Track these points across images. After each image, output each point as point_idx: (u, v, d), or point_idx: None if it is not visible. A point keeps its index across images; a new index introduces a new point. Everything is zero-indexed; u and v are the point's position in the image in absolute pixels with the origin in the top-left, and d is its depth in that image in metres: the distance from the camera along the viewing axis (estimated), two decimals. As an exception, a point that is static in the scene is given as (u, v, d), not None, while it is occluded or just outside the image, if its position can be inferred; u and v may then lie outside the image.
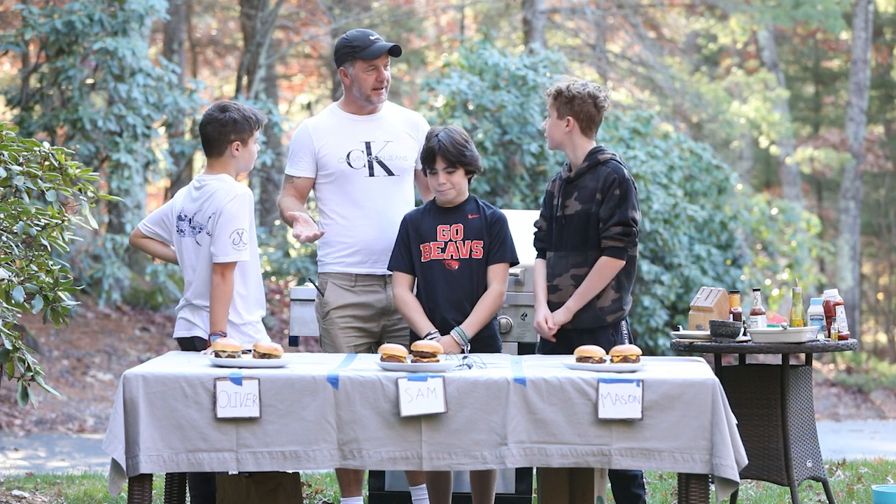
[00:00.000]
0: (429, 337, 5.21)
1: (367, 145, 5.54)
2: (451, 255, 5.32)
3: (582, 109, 5.28)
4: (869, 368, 19.62)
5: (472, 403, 4.50)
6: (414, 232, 5.38)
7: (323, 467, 4.56)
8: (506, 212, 5.94)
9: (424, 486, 5.48)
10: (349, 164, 5.52)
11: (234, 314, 5.25)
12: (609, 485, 5.64)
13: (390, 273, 5.49)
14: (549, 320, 5.29)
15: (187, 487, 5.31)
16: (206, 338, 5.21)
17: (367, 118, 5.59)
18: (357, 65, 5.51)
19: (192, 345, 5.28)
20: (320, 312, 5.59)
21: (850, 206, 21.09)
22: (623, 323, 5.35)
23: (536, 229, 5.53)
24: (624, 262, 5.25)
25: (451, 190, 5.32)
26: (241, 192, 5.23)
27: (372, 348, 5.59)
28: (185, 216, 5.31)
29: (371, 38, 5.51)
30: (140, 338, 13.96)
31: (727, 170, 14.58)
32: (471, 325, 5.26)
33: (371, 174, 5.53)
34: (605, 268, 5.24)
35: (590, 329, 5.27)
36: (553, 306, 5.34)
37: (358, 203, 5.53)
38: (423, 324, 5.28)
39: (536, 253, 5.52)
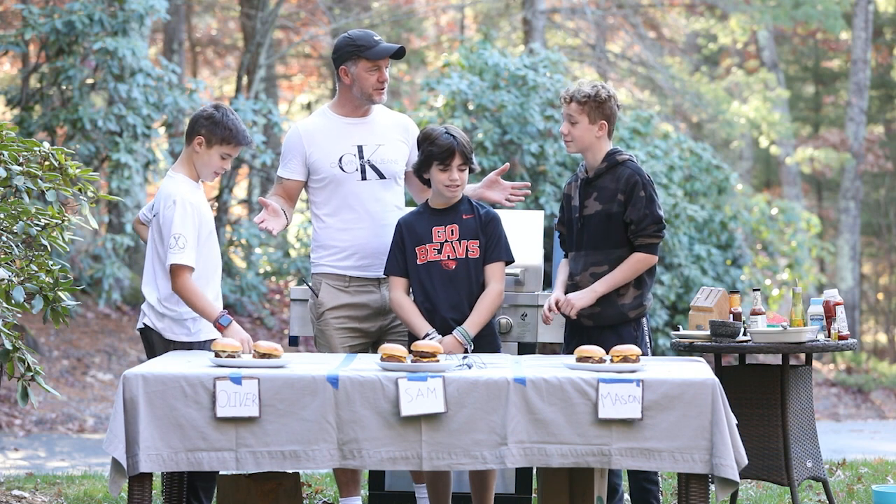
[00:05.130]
0: (428, 338, 5.19)
1: (360, 149, 5.54)
2: (448, 256, 5.31)
3: (612, 112, 5.38)
4: (869, 368, 19.61)
5: (472, 403, 4.50)
6: (409, 235, 5.36)
7: (323, 467, 4.56)
8: (506, 211, 5.95)
9: (432, 483, 5.47)
10: (341, 168, 5.52)
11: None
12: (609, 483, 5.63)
13: (385, 276, 5.51)
14: (562, 303, 5.34)
15: (185, 487, 5.29)
16: (213, 333, 5.22)
17: (359, 121, 5.58)
18: (360, 64, 5.51)
19: (205, 346, 5.28)
20: (315, 313, 5.58)
21: (850, 206, 21.08)
22: (644, 319, 5.42)
23: (558, 234, 5.63)
24: (657, 258, 5.36)
25: (460, 187, 5.33)
26: (179, 199, 5.18)
27: (368, 349, 5.58)
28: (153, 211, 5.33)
29: (375, 38, 5.53)
30: (140, 338, 13.95)
31: (727, 170, 14.57)
32: (472, 324, 5.25)
33: (363, 178, 5.52)
34: (640, 262, 5.33)
35: (613, 325, 5.35)
36: None
37: (351, 206, 5.53)
38: (422, 325, 5.26)
39: (564, 254, 5.63)
